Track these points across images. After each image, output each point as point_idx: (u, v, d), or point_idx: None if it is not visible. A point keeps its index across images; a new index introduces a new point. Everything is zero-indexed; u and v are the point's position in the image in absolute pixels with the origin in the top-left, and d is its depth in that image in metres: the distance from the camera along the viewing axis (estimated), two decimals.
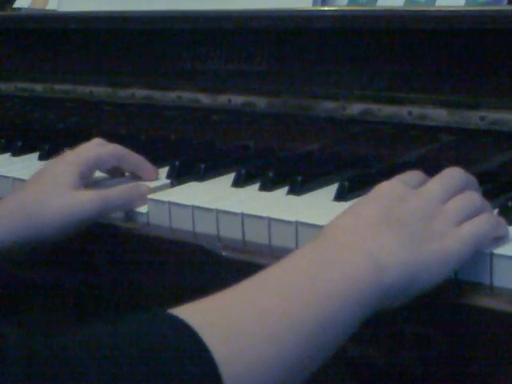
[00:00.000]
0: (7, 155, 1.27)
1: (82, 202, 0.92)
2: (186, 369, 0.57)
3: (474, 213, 0.74)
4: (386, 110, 0.99)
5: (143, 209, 0.96)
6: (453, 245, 0.70)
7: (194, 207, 0.92)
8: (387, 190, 0.75)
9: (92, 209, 0.93)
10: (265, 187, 0.97)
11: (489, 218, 0.74)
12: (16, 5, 1.37)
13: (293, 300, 0.63)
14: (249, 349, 0.60)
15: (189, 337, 0.58)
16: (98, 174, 1.04)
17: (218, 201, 0.92)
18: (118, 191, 0.96)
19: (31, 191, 0.94)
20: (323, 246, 0.70)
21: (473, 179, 0.79)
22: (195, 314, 0.61)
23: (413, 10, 0.97)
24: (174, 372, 0.57)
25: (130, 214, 0.97)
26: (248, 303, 0.63)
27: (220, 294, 0.63)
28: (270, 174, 0.97)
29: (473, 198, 0.76)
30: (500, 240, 0.75)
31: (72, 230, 0.92)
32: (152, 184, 1.01)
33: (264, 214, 0.86)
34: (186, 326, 0.59)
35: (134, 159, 1.03)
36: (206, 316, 0.61)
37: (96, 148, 1.00)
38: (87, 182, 0.98)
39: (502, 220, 0.77)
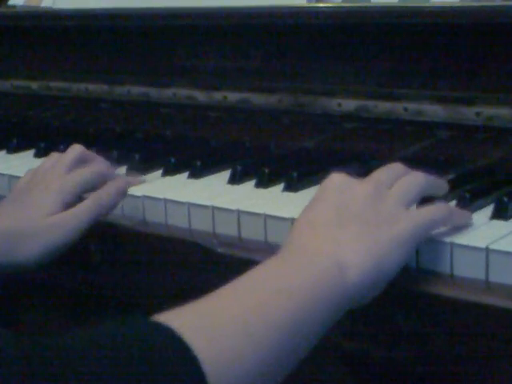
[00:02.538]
0: (3, 152, 1.27)
1: (57, 233, 0.91)
2: (171, 371, 0.58)
3: (421, 192, 0.77)
4: (382, 107, 0.99)
5: None
6: (406, 226, 0.72)
7: (189, 204, 0.92)
8: (331, 184, 0.76)
9: (71, 234, 0.91)
10: (261, 184, 0.97)
11: (441, 205, 0.77)
12: (11, 2, 1.37)
13: (265, 303, 0.65)
14: (229, 348, 0.62)
15: (172, 340, 0.59)
16: None
17: (213, 198, 0.92)
18: (91, 202, 0.93)
19: (12, 219, 0.92)
20: (289, 253, 0.71)
21: (417, 172, 0.81)
22: (177, 318, 0.62)
23: (408, 6, 0.97)
24: (159, 374, 0.58)
25: None
26: (226, 307, 0.65)
27: (200, 301, 0.65)
28: (266, 171, 0.97)
29: (417, 177, 0.78)
30: (461, 229, 0.77)
31: (53, 257, 0.92)
32: None
33: (260, 211, 0.86)
34: (170, 330, 0.60)
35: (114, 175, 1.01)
36: (187, 320, 0.62)
37: (81, 174, 0.96)
38: None
39: (457, 210, 0.80)
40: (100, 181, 0.97)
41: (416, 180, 0.78)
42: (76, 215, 0.92)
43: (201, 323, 0.63)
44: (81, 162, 0.98)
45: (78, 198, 0.95)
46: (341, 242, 0.70)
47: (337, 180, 0.76)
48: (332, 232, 0.71)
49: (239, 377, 0.62)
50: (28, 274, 0.94)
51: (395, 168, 0.79)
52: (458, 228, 0.77)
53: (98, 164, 0.98)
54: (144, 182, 1.02)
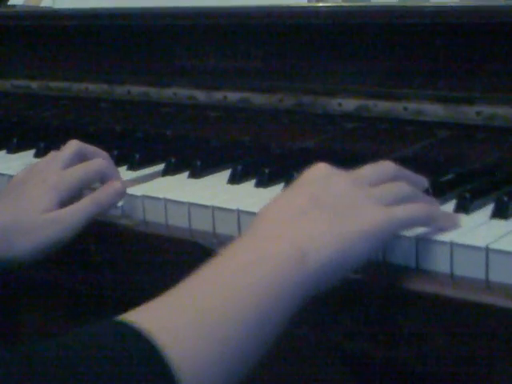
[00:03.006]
0: (3, 152, 1.27)
1: (53, 230, 0.90)
2: (139, 372, 0.58)
3: (404, 200, 0.75)
4: (382, 106, 0.99)
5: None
6: (377, 220, 0.71)
7: (190, 204, 0.92)
8: (312, 173, 0.76)
9: (65, 232, 0.91)
10: (261, 184, 0.97)
11: (421, 206, 0.76)
12: (11, 2, 1.37)
13: (229, 298, 0.66)
14: (196, 347, 0.62)
15: (140, 341, 0.60)
16: None
17: (214, 197, 0.92)
18: (88, 201, 0.93)
19: (7, 214, 0.92)
20: (252, 240, 0.71)
21: (408, 174, 0.80)
22: (143, 318, 0.62)
23: (407, 6, 0.97)
24: (128, 376, 0.58)
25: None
26: (191, 304, 0.65)
27: (165, 296, 0.65)
28: (266, 171, 0.97)
29: (403, 186, 0.77)
30: (461, 229, 0.76)
31: (46, 254, 0.91)
32: None
33: None
34: (136, 331, 0.60)
35: (114, 173, 1.00)
36: (154, 319, 0.63)
37: (78, 170, 0.96)
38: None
39: (442, 212, 0.79)
40: (98, 178, 0.97)
41: (402, 188, 0.77)
42: (72, 213, 0.92)
43: (168, 323, 0.63)
44: (79, 157, 0.98)
45: (76, 193, 0.95)
46: (306, 228, 0.70)
47: (319, 170, 0.77)
48: (300, 219, 0.71)
49: (207, 374, 0.62)
50: (22, 269, 0.93)
51: (385, 166, 0.79)
52: (457, 228, 0.77)
53: (97, 161, 0.98)
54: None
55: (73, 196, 0.94)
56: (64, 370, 0.57)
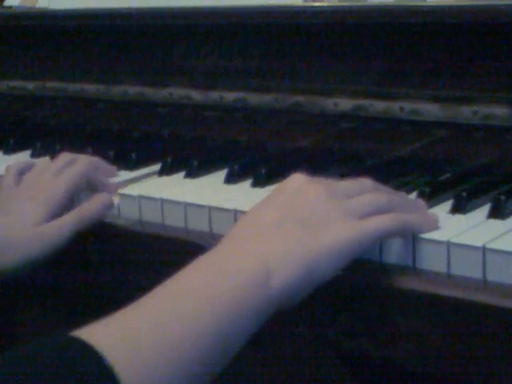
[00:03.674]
0: (0, 153, 1.27)
1: (41, 244, 0.92)
2: None
3: (380, 211, 0.74)
4: (378, 106, 0.99)
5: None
6: (347, 235, 0.71)
7: (186, 204, 0.91)
8: (288, 184, 0.75)
9: (53, 246, 0.92)
10: (257, 183, 0.97)
11: (393, 217, 0.74)
12: (7, 2, 1.37)
13: (189, 314, 0.65)
14: (150, 365, 0.61)
15: (91, 357, 0.59)
16: None
17: (210, 197, 0.92)
18: (75, 215, 0.95)
19: None
20: (220, 254, 0.70)
21: (387, 190, 0.79)
22: (97, 334, 0.62)
23: (404, 5, 0.97)
24: None
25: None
26: (147, 320, 0.64)
27: (121, 312, 0.64)
28: (263, 171, 0.97)
29: (379, 196, 0.76)
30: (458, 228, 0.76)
31: (33, 267, 0.93)
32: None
33: None
34: (88, 347, 0.60)
35: (103, 171, 1.03)
36: (107, 336, 0.62)
37: (65, 182, 0.97)
38: None
39: (424, 218, 0.77)
40: (85, 181, 0.99)
41: (377, 199, 0.76)
42: (59, 228, 0.93)
43: (121, 340, 0.61)
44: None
45: (68, 201, 0.97)
46: (274, 244, 0.69)
47: (295, 181, 0.76)
48: (270, 234, 0.70)
49: None
50: (8, 281, 0.94)
51: (362, 182, 0.78)
52: (455, 227, 0.77)
53: (79, 165, 1.00)
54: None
55: (64, 204, 0.96)
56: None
